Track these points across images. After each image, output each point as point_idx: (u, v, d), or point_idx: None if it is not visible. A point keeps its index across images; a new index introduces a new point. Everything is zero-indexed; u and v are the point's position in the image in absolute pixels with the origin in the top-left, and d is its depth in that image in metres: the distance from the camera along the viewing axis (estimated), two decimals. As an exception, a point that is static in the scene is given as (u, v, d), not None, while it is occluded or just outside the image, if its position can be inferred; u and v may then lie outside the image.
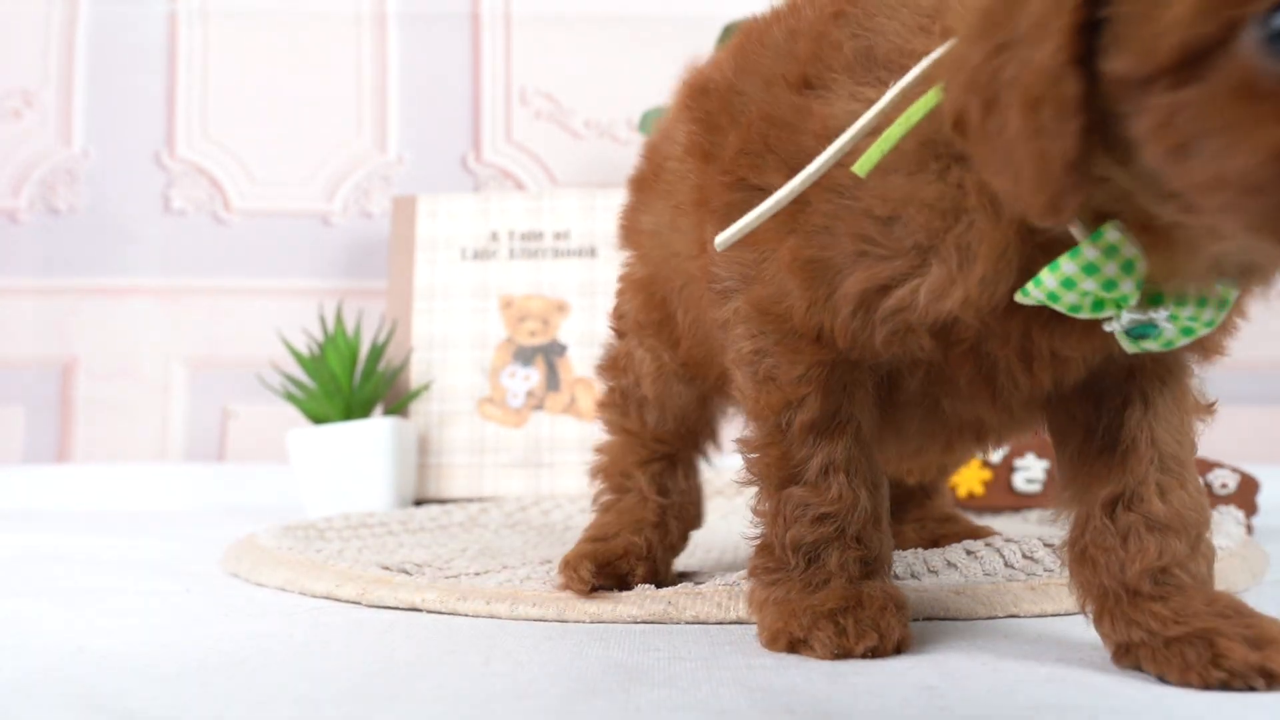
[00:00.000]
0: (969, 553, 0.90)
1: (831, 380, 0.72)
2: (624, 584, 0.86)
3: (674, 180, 0.87)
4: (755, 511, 0.75)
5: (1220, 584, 0.90)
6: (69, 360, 1.86)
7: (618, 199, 1.50)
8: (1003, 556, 0.89)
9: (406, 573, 0.97)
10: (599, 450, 1.00)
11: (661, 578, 0.89)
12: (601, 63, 1.92)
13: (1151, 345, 0.61)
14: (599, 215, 1.73)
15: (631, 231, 0.97)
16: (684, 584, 0.86)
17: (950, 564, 0.88)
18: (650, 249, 0.93)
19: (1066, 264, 0.58)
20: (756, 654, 0.71)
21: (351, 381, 1.58)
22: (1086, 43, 0.52)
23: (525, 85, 1.93)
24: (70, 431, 1.87)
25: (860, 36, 0.67)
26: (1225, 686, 0.61)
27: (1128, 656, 0.66)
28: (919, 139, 0.63)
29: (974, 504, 1.47)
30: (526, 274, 1.72)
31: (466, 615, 0.86)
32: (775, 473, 0.73)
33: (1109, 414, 0.70)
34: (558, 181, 1.91)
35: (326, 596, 0.94)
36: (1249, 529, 1.35)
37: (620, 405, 0.98)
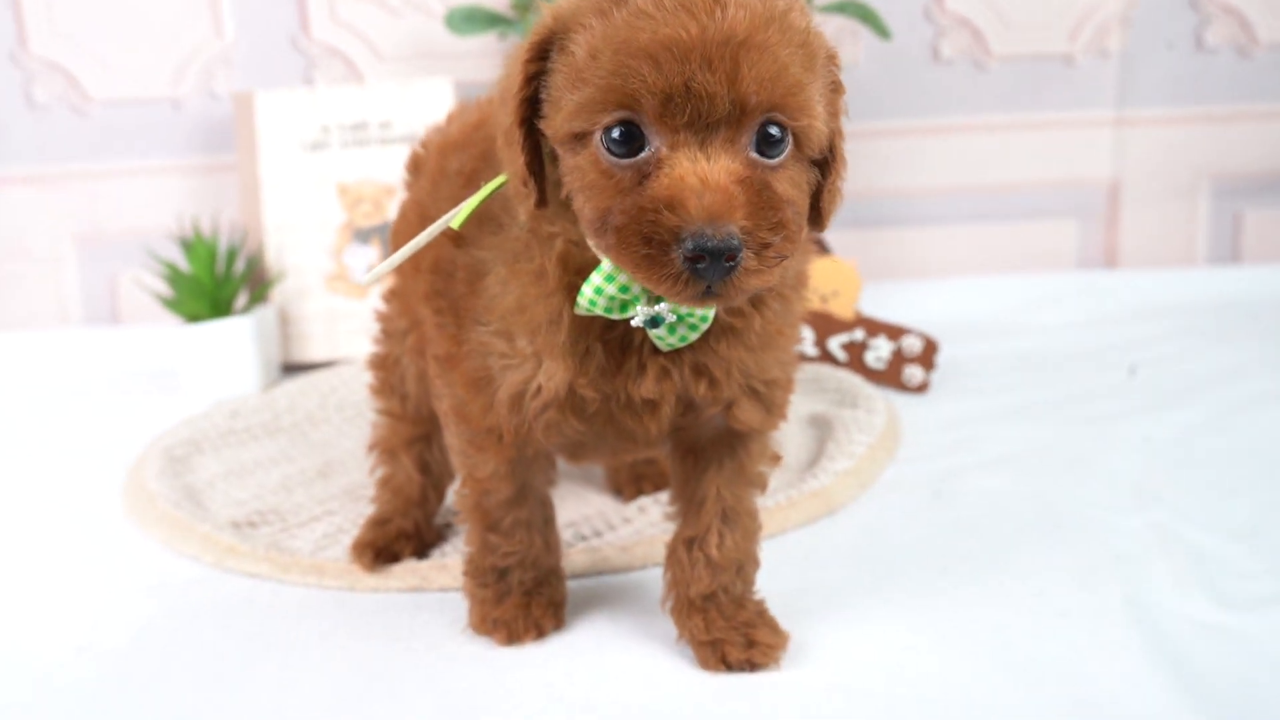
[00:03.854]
0: (640, 509, 1.27)
1: (518, 468, 1.02)
2: (396, 559, 1.23)
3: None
4: (466, 540, 1.10)
5: (826, 507, 1.29)
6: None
7: (429, 89, 1.80)
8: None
9: (253, 525, 1.34)
10: (375, 426, 1.29)
11: (427, 542, 1.26)
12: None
13: (669, 337, 0.87)
14: (414, 105, 1.97)
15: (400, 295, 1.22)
16: (434, 556, 1.23)
17: (626, 520, 1.26)
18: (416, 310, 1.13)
19: (595, 277, 0.86)
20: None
21: (214, 281, 1.87)
22: (531, 110, 0.84)
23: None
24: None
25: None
26: (730, 671, 1.01)
27: (680, 642, 1.05)
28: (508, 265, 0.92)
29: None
30: (357, 162, 1.98)
31: (292, 584, 1.23)
32: (479, 523, 1.07)
33: (699, 471, 1.03)
34: (384, 58, 2.10)
35: (194, 557, 1.29)
36: (925, 385, 1.73)
37: (388, 393, 1.26)
